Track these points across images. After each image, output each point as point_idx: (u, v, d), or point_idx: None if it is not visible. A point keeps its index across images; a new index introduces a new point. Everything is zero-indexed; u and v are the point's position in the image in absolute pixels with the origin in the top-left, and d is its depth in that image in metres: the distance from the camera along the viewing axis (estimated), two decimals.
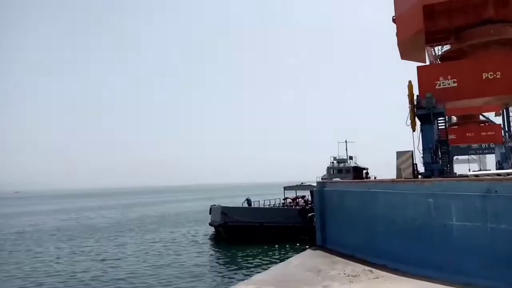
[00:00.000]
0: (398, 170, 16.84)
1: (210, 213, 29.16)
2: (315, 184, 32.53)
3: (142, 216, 48.71)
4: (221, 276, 16.31)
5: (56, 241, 28.01)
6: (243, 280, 13.17)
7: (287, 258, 18.58)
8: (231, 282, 14.46)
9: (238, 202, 37.08)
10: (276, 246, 22.66)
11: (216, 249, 23.36)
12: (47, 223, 42.71)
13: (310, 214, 22.79)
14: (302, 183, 34.08)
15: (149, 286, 14.39)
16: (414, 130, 16.69)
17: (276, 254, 20.81)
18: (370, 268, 11.93)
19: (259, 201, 32.43)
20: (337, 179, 30.01)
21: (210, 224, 28.34)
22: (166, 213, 52.43)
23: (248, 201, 31.28)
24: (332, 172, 33.19)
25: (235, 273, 16.71)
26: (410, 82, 17.15)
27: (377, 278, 10.83)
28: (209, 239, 27.33)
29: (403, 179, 15.03)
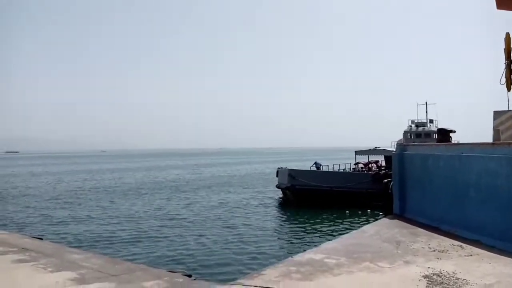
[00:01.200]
0: (496, 131, 14.44)
1: (277, 176, 28.52)
2: (390, 149, 30.26)
3: (212, 176, 49.75)
4: (288, 241, 15.53)
5: (128, 197, 29.19)
6: (310, 247, 12.26)
7: (359, 226, 17.28)
8: (299, 248, 13.60)
9: (305, 166, 35.90)
10: (347, 212, 21.38)
11: (283, 213, 22.71)
12: (124, 180, 45.20)
13: (386, 180, 21.06)
14: (375, 147, 32.08)
15: (215, 248, 13.91)
16: (509, 90, 14.14)
17: (347, 221, 19.58)
18: (460, 243, 10.27)
19: (328, 166, 31.11)
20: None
21: (277, 187, 27.71)
22: (234, 174, 53.14)
23: (317, 165, 30.08)
24: (409, 137, 30.65)
25: (302, 239, 15.86)
26: (508, 34, 14.30)
27: (470, 255, 9.21)
28: (276, 201, 26.78)
29: (505, 142, 12.74)
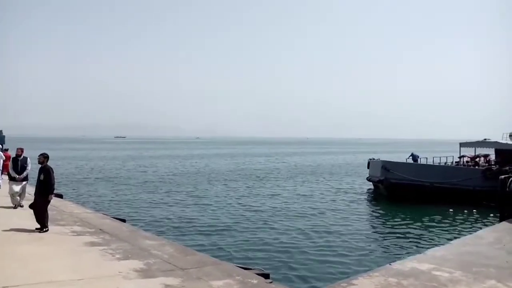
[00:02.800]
0: None
1: (368, 167, 26.26)
2: (503, 141, 26.03)
3: (296, 166, 48.50)
4: (382, 244, 13.11)
5: (213, 184, 29.20)
6: (411, 253, 10.40)
7: (470, 230, 14.72)
8: (397, 254, 11.62)
9: (398, 158, 32.63)
10: (450, 211, 18.58)
11: (375, 209, 20.50)
12: (212, 166, 46.14)
13: (504, 177, 17.79)
14: (484, 139, 27.98)
15: (296, 248, 12.21)
16: None
17: (452, 222, 16.90)
18: None
19: (426, 158, 27.89)
20: None
21: (368, 179, 25.50)
22: (320, 164, 51.24)
23: (414, 157, 27.08)
24: None
25: (400, 242, 13.51)
26: None
27: None
28: (366, 196, 24.56)
29: None
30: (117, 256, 7.19)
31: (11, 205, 11.42)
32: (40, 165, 8.83)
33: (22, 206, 11.32)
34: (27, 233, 8.36)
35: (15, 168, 11.20)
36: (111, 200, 20.79)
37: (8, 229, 8.53)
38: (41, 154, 8.78)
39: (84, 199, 20.82)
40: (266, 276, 7.40)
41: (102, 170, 38.44)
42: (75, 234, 8.75)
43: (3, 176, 16.72)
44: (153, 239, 9.06)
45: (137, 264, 6.77)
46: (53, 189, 8.70)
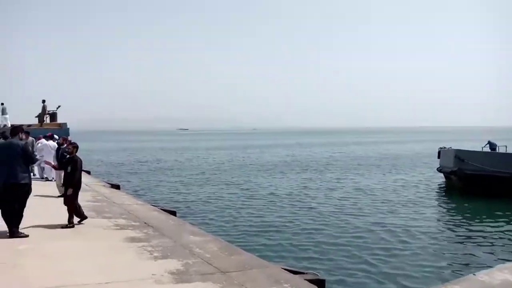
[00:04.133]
0: None
1: (438, 157, 23.89)
2: None
3: (359, 156, 46.23)
4: (460, 248, 11.08)
5: (267, 176, 28.43)
6: (499, 261, 8.77)
7: None
8: (481, 261, 9.75)
9: (471, 146, 29.30)
10: None
11: (447, 204, 18.37)
12: (270, 156, 45.48)
13: None
14: None
15: (356, 251, 10.75)
16: None
17: None
18: None
19: (506, 147, 24.82)
20: None
21: (439, 170, 23.20)
22: (384, 154, 48.49)
23: (491, 145, 24.12)
24: None
25: (483, 246, 11.38)
26: None
27: None
28: (437, 189, 22.31)
29: None
30: (155, 254, 6.57)
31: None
32: (69, 156, 8.48)
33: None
34: (70, 228, 7.96)
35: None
36: (164, 191, 20.73)
37: (45, 222, 8.06)
38: (70, 144, 8.42)
39: (139, 190, 21.00)
40: (321, 282, 6.40)
41: (161, 161, 39.33)
42: (118, 228, 8.32)
43: None
44: (198, 235, 8.40)
45: (175, 264, 6.08)
46: (75, 183, 8.06)
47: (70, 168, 8.01)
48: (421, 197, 19.29)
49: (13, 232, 7.01)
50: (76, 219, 8.28)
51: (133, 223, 8.89)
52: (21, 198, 7.05)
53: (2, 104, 25.31)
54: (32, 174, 15.53)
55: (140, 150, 58.52)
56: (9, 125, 24.50)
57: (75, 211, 8.07)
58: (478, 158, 20.19)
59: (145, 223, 9.03)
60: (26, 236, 7.11)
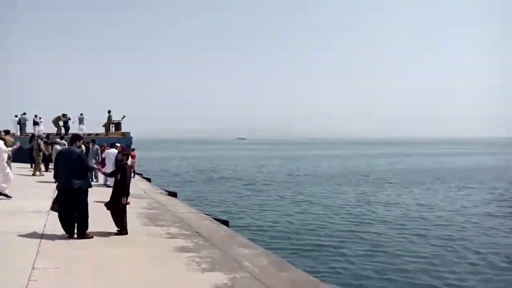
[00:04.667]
0: None
1: None
2: None
3: (424, 168, 43.63)
4: None
5: (326, 186, 27.62)
6: None
7: None
8: None
9: None
10: None
11: None
12: (328, 167, 44.45)
13: None
14: None
15: (431, 272, 9.89)
16: None
17: None
18: None
19: None
20: None
21: None
22: (452, 167, 45.33)
23: None
24: None
25: None
26: None
27: None
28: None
29: None
30: (203, 266, 6.42)
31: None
32: (119, 163, 8.55)
33: (128, 203, 11.53)
34: (123, 235, 8.02)
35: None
36: (219, 200, 20.74)
37: (101, 229, 8.06)
38: (120, 152, 8.53)
39: (195, 198, 21.26)
40: None
41: (218, 170, 39.86)
42: (169, 236, 8.32)
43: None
44: (248, 247, 8.18)
45: (222, 278, 5.88)
46: (128, 192, 8.02)
47: (120, 175, 8.06)
48: (499, 213, 17.52)
49: (80, 234, 7.37)
50: (140, 226, 8.34)
51: (184, 232, 8.88)
52: (78, 202, 7.30)
53: (81, 114, 27.16)
54: (95, 180, 16.43)
55: (199, 159, 60.04)
56: (82, 134, 26.35)
57: (122, 220, 8.05)
58: None
59: (196, 232, 8.98)
60: (91, 237, 7.45)
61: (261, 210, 17.99)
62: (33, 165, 19.32)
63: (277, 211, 17.77)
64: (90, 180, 8.46)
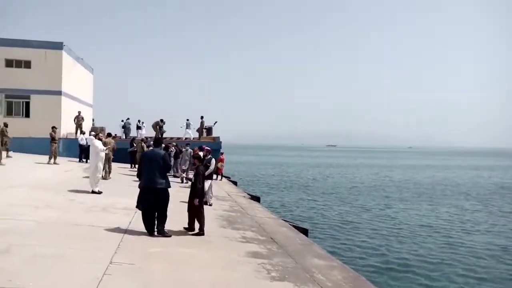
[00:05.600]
0: None
1: None
2: None
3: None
4: None
5: (416, 199, 25.51)
6: None
7: None
8: None
9: None
10: None
11: None
12: (421, 178, 41.25)
13: None
14: None
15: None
16: None
17: None
18: None
19: None
20: None
21: None
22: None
23: None
24: None
25: None
26: None
27: None
28: None
29: None
30: (273, 274, 6.20)
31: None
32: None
33: (210, 205, 11.85)
34: (200, 236, 8.18)
35: None
36: (302, 208, 20.36)
37: (180, 228, 8.36)
38: (192, 156, 8.66)
39: (278, 203, 21.17)
40: None
41: (305, 177, 39.45)
42: (244, 240, 8.27)
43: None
44: (323, 258, 7.76)
45: None
46: (200, 193, 8.08)
47: (194, 178, 8.27)
48: None
49: (159, 231, 7.69)
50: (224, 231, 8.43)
51: (259, 237, 8.76)
52: (160, 201, 7.60)
53: (188, 120, 29.19)
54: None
55: (288, 165, 60.13)
56: (192, 138, 28.20)
57: (199, 220, 8.23)
58: None
59: (271, 238, 8.81)
60: (169, 236, 7.72)
61: (344, 221, 17.15)
62: (133, 165, 21.03)
63: (359, 224, 16.71)
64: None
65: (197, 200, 8.01)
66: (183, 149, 18.43)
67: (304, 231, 11.30)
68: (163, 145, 10.05)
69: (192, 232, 8.21)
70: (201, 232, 8.20)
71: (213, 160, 12.06)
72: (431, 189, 31.05)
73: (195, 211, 8.15)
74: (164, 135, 27.34)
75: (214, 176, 21.19)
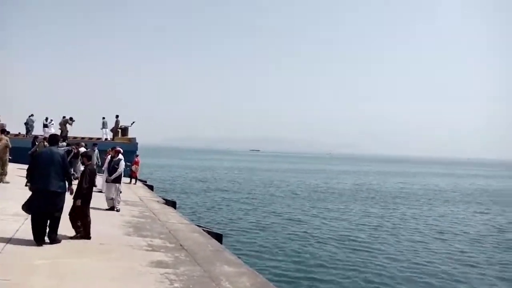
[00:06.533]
0: None
1: None
2: None
3: (440, 189, 42.24)
4: None
5: (331, 204, 26.67)
6: None
7: None
8: None
9: None
10: None
11: None
12: (337, 183, 43.39)
13: None
14: None
15: None
16: None
17: None
18: None
19: None
20: None
21: None
22: (470, 188, 43.76)
23: None
24: None
25: None
26: None
27: None
28: None
29: None
30: (176, 285, 5.76)
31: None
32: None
33: (118, 211, 11.04)
34: (98, 243, 7.45)
35: (108, 169, 11.03)
36: (220, 212, 20.09)
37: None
38: (81, 154, 8.05)
39: (196, 209, 20.67)
40: None
41: (225, 181, 39.26)
42: (149, 249, 7.69)
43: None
44: (234, 265, 7.48)
45: None
46: (82, 194, 7.43)
47: (80, 178, 7.67)
48: (496, 237, 16.59)
49: (52, 239, 6.91)
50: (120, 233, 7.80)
51: (168, 245, 8.24)
52: (54, 206, 6.78)
53: (104, 118, 26.95)
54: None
55: (209, 169, 59.50)
56: (110, 138, 26.27)
57: (81, 223, 7.53)
58: None
59: (181, 245, 8.33)
60: (59, 241, 6.99)
61: (259, 226, 17.01)
62: None
63: (276, 228, 16.70)
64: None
65: (80, 201, 7.32)
66: (90, 150, 17.03)
67: (218, 237, 10.95)
68: (64, 143, 9.06)
69: (75, 235, 7.50)
70: (86, 236, 7.52)
71: (122, 162, 11.27)
72: (344, 194, 32.62)
73: (79, 213, 7.43)
74: (83, 136, 25.48)
75: (127, 180, 20.14)
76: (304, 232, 16.34)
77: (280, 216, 19.82)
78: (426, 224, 19.55)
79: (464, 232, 17.87)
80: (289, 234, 15.69)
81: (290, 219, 19.17)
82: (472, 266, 12.41)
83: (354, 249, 13.74)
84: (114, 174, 11.07)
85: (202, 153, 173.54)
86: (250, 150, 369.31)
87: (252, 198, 26.62)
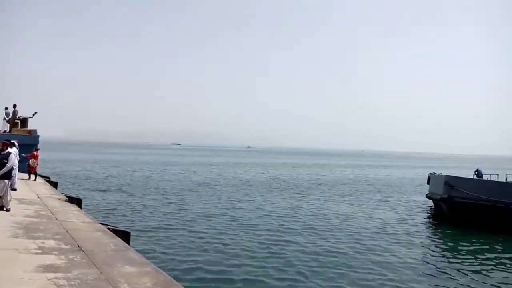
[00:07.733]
0: None
1: (428, 183, 22.83)
2: None
3: (348, 179, 45.03)
4: (446, 284, 10.20)
5: (250, 196, 27.07)
6: None
7: None
8: None
9: (460, 174, 27.82)
10: None
11: (435, 232, 17.37)
12: (257, 175, 44.17)
13: None
14: None
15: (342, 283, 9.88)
16: None
17: None
18: None
19: (497, 175, 23.84)
20: None
21: (428, 197, 22.06)
22: (374, 178, 47.34)
23: (479, 174, 22.64)
24: None
25: (468, 280, 10.61)
26: None
27: None
28: (425, 216, 21.14)
29: None
30: None
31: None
32: None
33: (8, 210, 9.86)
34: None
35: None
36: (131, 209, 18.95)
37: None
38: None
39: (106, 206, 19.39)
40: None
41: (139, 176, 37.64)
42: (39, 252, 6.93)
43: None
44: (136, 265, 7.02)
45: None
46: None
47: None
48: (406, 224, 18.17)
49: None
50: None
51: (63, 246, 7.50)
52: None
53: (6, 108, 24.05)
54: None
55: (123, 164, 56.68)
56: (7, 130, 23.31)
57: None
58: (470, 185, 19.06)
59: (78, 246, 7.64)
60: None
61: (169, 223, 16.12)
62: None
63: (187, 224, 15.99)
64: None
65: None
66: None
67: (126, 235, 10.30)
68: None
69: None
70: None
71: (12, 156, 10.05)
72: (258, 185, 33.21)
73: None
74: None
75: (26, 176, 18.27)
76: (212, 227, 15.72)
77: (192, 212, 18.85)
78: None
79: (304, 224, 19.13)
80: (200, 231, 14.95)
81: (203, 215, 18.27)
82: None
83: (266, 242, 13.74)
84: (4, 169, 9.84)
85: (118, 147, 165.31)
86: (171, 144, 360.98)
87: (165, 194, 25.45)
